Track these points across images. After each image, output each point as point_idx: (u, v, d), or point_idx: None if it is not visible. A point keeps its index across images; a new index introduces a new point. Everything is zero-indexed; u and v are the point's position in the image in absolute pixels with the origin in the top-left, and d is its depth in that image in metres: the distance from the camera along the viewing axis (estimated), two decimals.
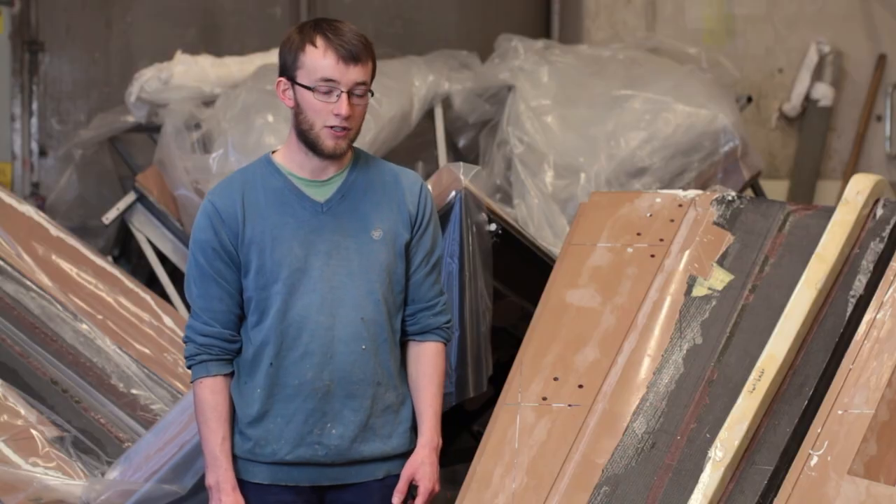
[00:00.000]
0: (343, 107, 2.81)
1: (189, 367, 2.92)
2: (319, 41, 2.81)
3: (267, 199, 2.88)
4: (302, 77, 2.83)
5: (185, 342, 2.92)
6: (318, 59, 2.81)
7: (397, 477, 2.92)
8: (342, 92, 2.81)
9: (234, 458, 2.91)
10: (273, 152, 2.96)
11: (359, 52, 2.82)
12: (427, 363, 2.97)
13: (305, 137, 2.86)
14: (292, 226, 2.86)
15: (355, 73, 2.82)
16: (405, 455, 2.95)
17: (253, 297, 2.87)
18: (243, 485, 2.90)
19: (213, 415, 2.88)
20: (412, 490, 2.92)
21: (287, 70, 2.86)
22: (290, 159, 2.91)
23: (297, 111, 2.85)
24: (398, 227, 2.92)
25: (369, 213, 2.90)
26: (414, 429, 2.97)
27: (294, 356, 2.85)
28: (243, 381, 2.90)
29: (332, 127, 2.82)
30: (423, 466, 2.91)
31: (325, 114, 2.82)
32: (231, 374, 2.91)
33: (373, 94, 2.89)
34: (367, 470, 2.91)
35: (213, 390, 2.88)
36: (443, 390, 3.00)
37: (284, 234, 2.85)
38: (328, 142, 2.84)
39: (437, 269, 3.00)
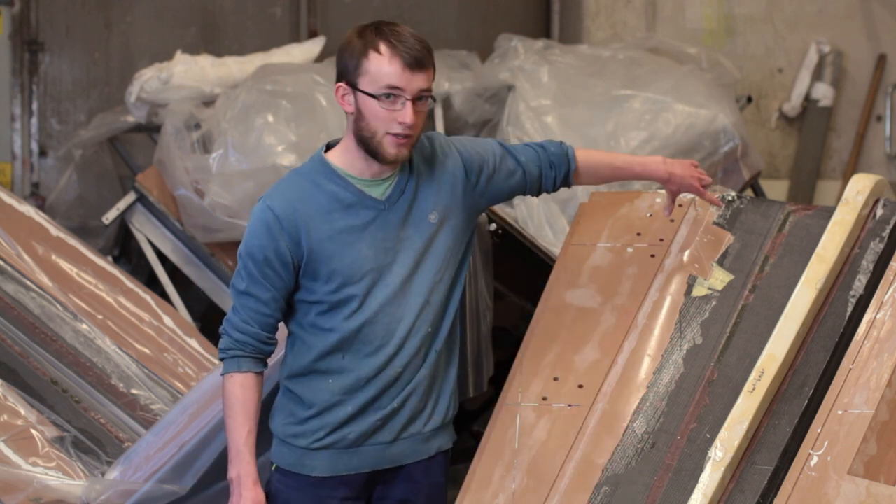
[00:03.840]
0: (408, 115, 2.79)
1: (221, 360, 2.93)
2: (384, 47, 2.78)
3: (329, 203, 2.87)
4: (365, 84, 2.79)
5: (220, 334, 2.93)
6: (384, 67, 2.78)
7: (446, 454, 3.03)
8: (407, 100, 2.78)
9: (292, 449, 2.94)
10: (325, 151, 2.93)
11: (423, 58, 2.80)
12: (591, 153, 3.18)
13: (367, 144, 2.84)
14: (359, 227, 2.87)
15: (420, 81, 2.80)
16: (449, 425, 3.04)
17: (324, 300, 2.88)
18: (296, 478, 2.93)
19: (240, 409, 2.89)
20: None
21: (348, 75, 2.82)
22: (350, 164, 2.89)
23: (359, 118, 2.83)
24: (448, 200, 2.96)
25: (424, 199, 2.93)
26: (456, 392, 3.07)
27: (368, 349, 2.89)
28: (308, 374, 2.92)
29: (395, 134, 2.81)
30: (673, 176, 3.17)
31: (389, 121, 2.80)
32: (261, 373, 2.93)
33: (434, 101, 2.88)
34: (421, 448, 2.98)
35: (243, 385, 2.90)
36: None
37: (352, 236, 2.86)
38: (391, 149, 2.83)
39: (511, 149, 3.09)
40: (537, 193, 3.14)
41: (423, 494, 3.00)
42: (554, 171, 3.12)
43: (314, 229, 2.85)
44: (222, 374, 2.92)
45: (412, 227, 2.91)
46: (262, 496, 2.88)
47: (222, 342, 2.92)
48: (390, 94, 2.78)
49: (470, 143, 3.06)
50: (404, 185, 2.91)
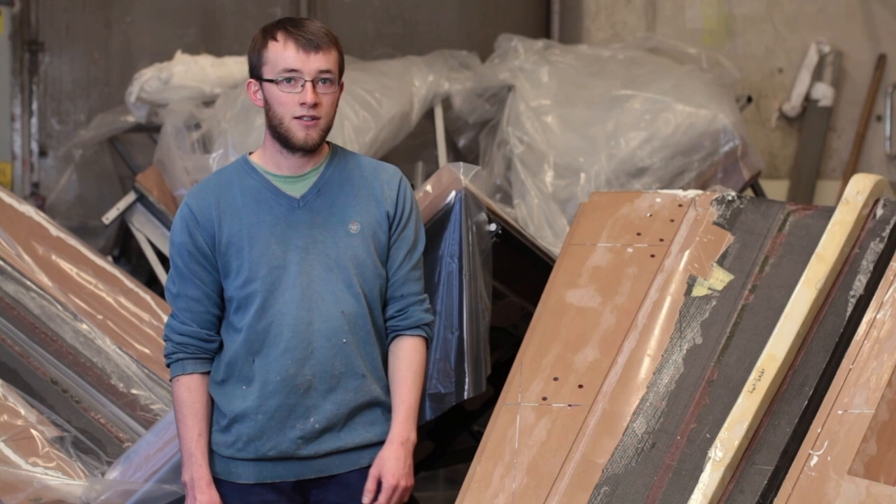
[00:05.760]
0: (308, 95, 2.82)
1: (167, 366, 2.95)
2: (280, 35, 2.85)
3: (244, 198, 2.89)
4: (267, 72, 2.86)
5: (164, 341, 2.95)
6: (280, 52, 2.84)
7: None
8: (306, 81, 2.83)
9: (219, 457, 2.92)
10: (250, 153, 2.98)
11: (320, 41, 2.84)
12: (409, 357, 2.96)
13: (277, 133, 2.87)
14: (269, 223, 2.87)
15: (318, 62, 2.84)
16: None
17: (234, 296, 2.88)
18: (226, 485, 2.91)
19: (189, 412, 2.90)
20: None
21: (254, 70, 2.90)
22: (267, 159, 2.92)
23: (267, 108, 2.88)
24: (376, 221, 2.93)
25: (346, 207, 2.91)
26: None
27: (275, 352, 2.86)
28: (225, 380, 2.91)
29: (300, 118, 2.84)
30: (387, 462, 2.88)
31: (292, 105, 2.84)
32: (208, 373, 2.93)
33: (342, 87, 2.91)
34: (351, 459, 2.92)
35: (189, 388, 2.91)
36: (421, 387, 2.98)
37: (261, 232, 2.87)
38: (299, 133, 2.85)
39: (421, 263, 3.01)
40: (382, 306, 2.98)
41: (359, 499, 2.92)
42: (404, 311, 2.97)
43: (226, 223, 2.87)
44: (170, 380, 2.93)
45: (327, 232, 2.89)
46: (216, 498, 2.88)
47: (165, 348, 2.94)
48: (290, 78, 2.83)
49: (416, 208, 3.01)
50: (322, 186, 2.91)
